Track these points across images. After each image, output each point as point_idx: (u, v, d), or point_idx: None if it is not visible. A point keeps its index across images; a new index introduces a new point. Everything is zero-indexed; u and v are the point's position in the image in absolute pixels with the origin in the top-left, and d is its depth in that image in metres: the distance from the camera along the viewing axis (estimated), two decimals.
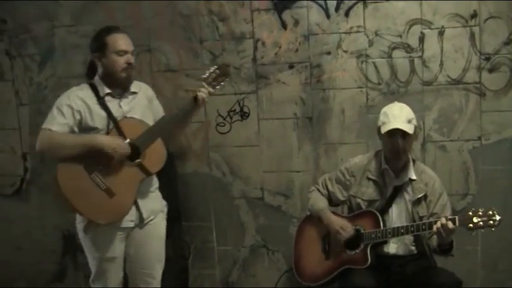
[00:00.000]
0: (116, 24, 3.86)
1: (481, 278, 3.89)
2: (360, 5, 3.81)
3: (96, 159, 2.86)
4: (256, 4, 3.95)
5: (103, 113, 2.96)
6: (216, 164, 4.16)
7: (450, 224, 2.77)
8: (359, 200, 3.24)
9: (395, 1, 3.77)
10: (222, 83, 3.20)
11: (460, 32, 3.72)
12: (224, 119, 4.09)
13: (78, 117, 2.93)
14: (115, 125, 2.95)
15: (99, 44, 2.98)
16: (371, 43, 3.84)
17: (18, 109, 4.37)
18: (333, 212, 3.33)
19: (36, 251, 4.48)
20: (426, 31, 3.76)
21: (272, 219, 4.14)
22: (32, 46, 4.29)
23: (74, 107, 2.92)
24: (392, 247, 3.18)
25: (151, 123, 3.07)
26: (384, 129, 3.07)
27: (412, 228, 2.98)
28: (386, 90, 3.85)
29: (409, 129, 3.04)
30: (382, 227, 3.09)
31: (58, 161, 2.87)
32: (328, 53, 3.90)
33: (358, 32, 3.84)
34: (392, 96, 3.80)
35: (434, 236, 2.95)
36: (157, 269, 3.23)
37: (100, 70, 3.02)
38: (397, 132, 3.03)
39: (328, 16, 3.87)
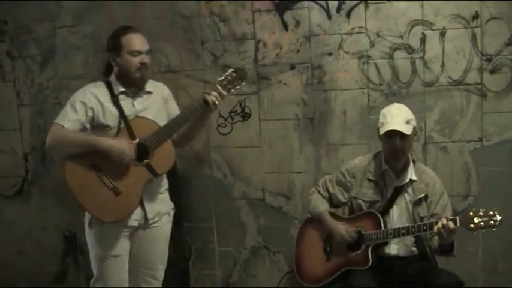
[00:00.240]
0: (117, 25, 3.88)
1: (482, 279, 3.88)
2: (361, 6, 3.81)
3: (103, 158, 2.87)
4: (258, 5, 3.95)
5: (115, 111, 2.97)
6: (217, 164, 4.16)
7: (451, 225, 2.77)
8: (360, 201, 3.24)
9: (396, 2, 3.77)
10: (237, 87, 3.09)
11: (461, 33, 3.72)
12: (225, 120, 4.08)
13: (90, 114, 2.94)
14: (126, 123, 2.96)
15: (114, 43, 2.98)
16: (372, 44, 3.84)
17: (20, 110, 4.37)
18: (334, 214, 3.34)
19: (37, 252, 4.48)
20: (427, 32, 3.76)
21: (273, 220, 4.14)
22: (33, 47, 4.29)
23: (88, 104, 2.93)
24: (394, 248, 3.18)
25: (164, 123, 3.05)
26: (382, 131, 3.08)
27: (413, 229, 2.98)
28: (388, 91, 3.85)
29: (407, 130, 3.04)
30: (383, 228, 3.08)
31: (66, 158, 2.89)
32: (330, 54, 3.90)
33: (359, 32, 3.84)
34: (393, 97, 3.80)
35: (436, 237, 2.94)
36: (160, 270, 3.23)
37: (115, 69, 3.02)
38: (395, 133, 3.03)
39: (329, 17, 3.87)
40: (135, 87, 3.03)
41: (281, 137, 4.04)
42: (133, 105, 3.02)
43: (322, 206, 3.34)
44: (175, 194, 3.29)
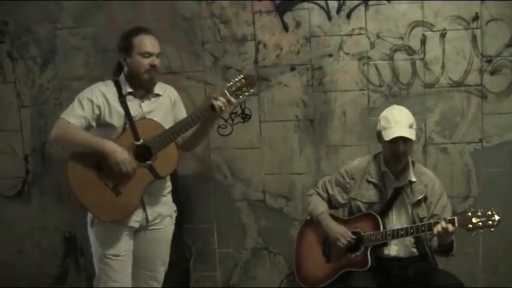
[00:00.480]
0: (118, 26, 3.90)
1: (482, 280, 3.88)
2: (362, 7, 3.82)
3: (105, 158, 2.87)
4: (258, 6, 3.95)
5: (121, 111, 2.97)
6: (218, 166, 4.16)
7: (450, 227, 2.77)
8: (359, 203, 3.24)
9: (397, 3, 3.77)
10: (246, 93, 3.00)
11: (461, 35, 3.73)
12: (226, 121, 4.09)
13: (97, 111, 2.95)
14: (131, 124, 2.96)
15: (126, 44, 2.98)
16: (372, 45, 3.84)
17: (20, 111, 4.37)
18: (333, 215, 3.33)
19: (37, 253, 4.48)
20: (428, 33, 3.76)
21: (273, 222, 4.13)
22: (34, 48, 4.29)
23: (95, 101, 2.94)
24: (393, 249, 3.18)
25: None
26: (386, 137, 3.05)
27: (411, 230, 2.98)
28: (388, 92, 3.85)
29: (412, 135, 3.03)
30: (381, 229, 3.08)
31: (69, 157, 2.92)
32: (330, 55, 3.90)
33: (359, 34, 3.84)
34: (393, 98, 3.80)
35: (435, 237, 2.95)
36: (161, 271, 3.24)
37: (125, 70, 3.03)
38: (398, 138, 3.02)
39: (329, 18, 3.87)
40: (143, 88, 3.04)
41: (281, 138, 4.04)
42: (141, 106, 3.02)
43: (321, 207, 3.33)
44: (175, 195, 3.29)
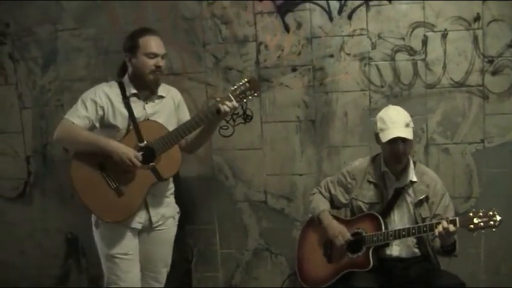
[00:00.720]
0: (119, 28, 3.90)
1: (484, 280, 3.88)
2: (363, 8, 3.82)
3: (109, 158, 2.88)
4: (259, 7, 3.95)
5: (125, 113, 2.98)
6: (219, 167, 4.16)
7: (451, 228, 2.77)
8: (360, 203, 3.24)
9: (398, 4, 3.77)
10: (250, 97, 3.01)
11: (463, 35, 3.72)
12: (227, 122, 4.08)
13: (101, 112, 2.96)
14: (134, 126, 2.97)
15: (132, 44, 2.99)
16: (374, 46, 3.84)
17: (22, 112, 4.37)
18: (335, 216, 3.33)
19: (39, 254, 4.49)
20: (429, 34, 3.76)
21: (275, 223, 4.13)
22: (35, 49, 4.29)
23: (98, 102, 2.95)
24: (396, 249, 3.17)
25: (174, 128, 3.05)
26: (383, 138, 3.06)
27: (413, 231, 2.97)
28: (390, 93, 3.85)
29: (409, 134, 3.04)
30: (383, 230, 3.08)
31: (72, 156, 2.94)
32: (331, 56, 3.90)
33: (361, 34, 3.84)
34: (395, 99, 3.80)
35: (437, 238, 2.95)
36: (163, 273, 3.25)
37: (130, 70, 3.03)
38: (396, 139, 3.02)
39: (331, 19, 3.87)
40: (147, 90, 3.04)
41: (283, 139, 4.04)
42: (144, 108, 3.03)
43: (322, 205, 3.34)
44: (177, 197, 3.29)
